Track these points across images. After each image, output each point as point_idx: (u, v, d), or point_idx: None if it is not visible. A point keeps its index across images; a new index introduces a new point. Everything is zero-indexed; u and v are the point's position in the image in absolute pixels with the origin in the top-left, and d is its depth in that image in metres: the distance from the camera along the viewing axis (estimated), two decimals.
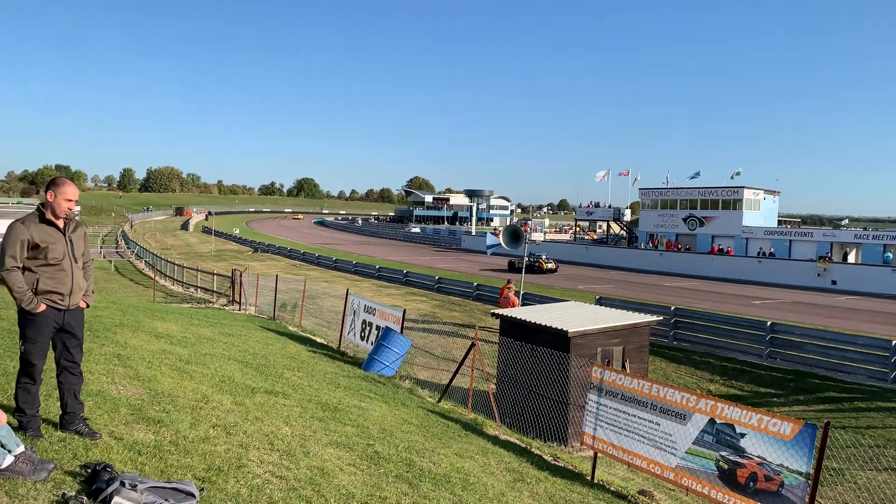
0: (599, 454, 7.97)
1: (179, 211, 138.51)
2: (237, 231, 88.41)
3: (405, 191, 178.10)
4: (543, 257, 45.86)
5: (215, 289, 29.75)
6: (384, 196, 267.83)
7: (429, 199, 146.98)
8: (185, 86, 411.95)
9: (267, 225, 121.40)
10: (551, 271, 44.70)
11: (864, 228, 61.29)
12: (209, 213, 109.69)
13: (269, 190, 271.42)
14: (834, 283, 40.02)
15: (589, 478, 7.77)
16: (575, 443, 10.73)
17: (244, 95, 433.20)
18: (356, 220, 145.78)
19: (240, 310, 22.06)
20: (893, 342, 16.11)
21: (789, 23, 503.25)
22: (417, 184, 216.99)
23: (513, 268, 42.80)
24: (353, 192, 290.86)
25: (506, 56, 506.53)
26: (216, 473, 4.46)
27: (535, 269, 42.94)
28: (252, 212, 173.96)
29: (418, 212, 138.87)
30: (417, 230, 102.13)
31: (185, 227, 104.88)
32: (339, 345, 15.60)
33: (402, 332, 13.43)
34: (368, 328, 14.81)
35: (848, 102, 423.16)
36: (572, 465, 8.57)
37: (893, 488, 9.16)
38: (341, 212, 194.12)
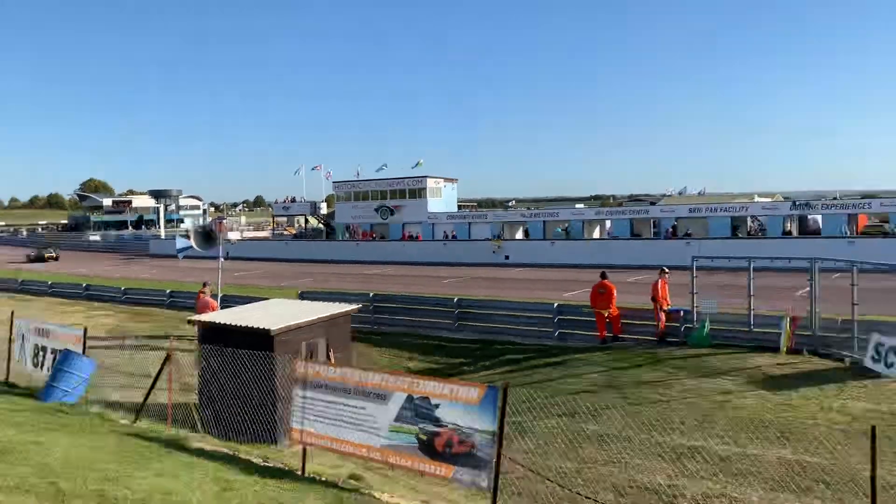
0: (309, 447, 8.06)
1: None
2: None
3: (79, 195, 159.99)
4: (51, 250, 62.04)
5: None
6: (53, 202, 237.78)
7: (108, 202, 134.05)
8: None
9: None
10: (54, 259, 60.44)
11: (528, 209, 69.64)
12: None
13: None
14: (507, 258, 44.91)
15: (300, 473, 7.81)
16: (285, 440, 10.69)
17: None
18: (20, 231, 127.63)
19: None
20: (556, 304, 18.63)
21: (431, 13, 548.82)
22: (93, 186, 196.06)
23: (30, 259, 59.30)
24: (14, 199, 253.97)
25: (177, 50, 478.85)
26: None
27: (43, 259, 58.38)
28: None
29: (96, 217, 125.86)
30: (97, 238, 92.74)
31: None
32: (8, 376, 13.62)
33: (84, 352, 12.15)
34: (43, 353, 13.14)
35: (502, 96, 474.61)
36: (283, 463, 8.54)
37: (563, 432, 10.62)
38: (0, 223, 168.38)
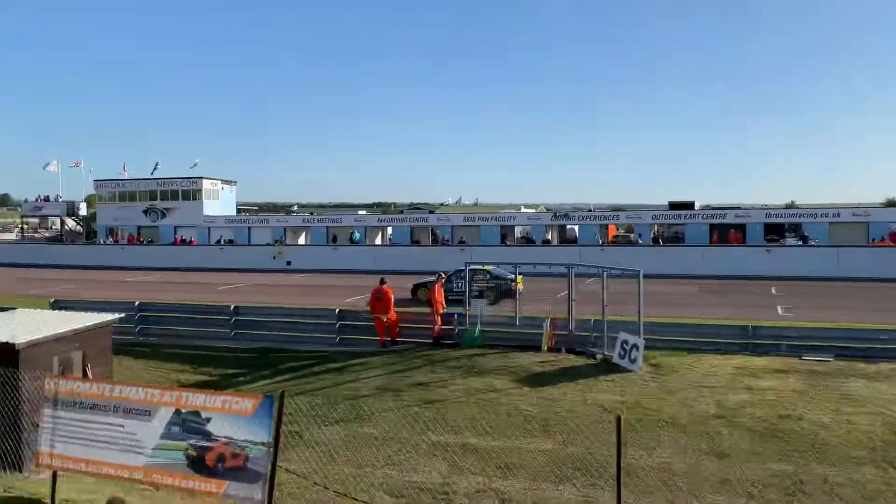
0: (61, 472, 7.30)
1: None
2: None
3: None
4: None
5: None
6: None
7: None
8: None
9: None
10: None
11: (311, 213, 69.01)
12: None
13: None
14: (289, 263, 44.11)
15: (48, 502, 7.05)
16: (31, 465, 9.59)
17: None
18: None
19: None
20: (337, 310, 18.65)
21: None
22: None
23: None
24: None
25: None
26: None
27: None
28: None
29: None
30: None
31: None
32: None
33: None
34: None
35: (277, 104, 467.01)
36: (29, 492, 7.68)
37: (342, 437, 10.65)
38: None
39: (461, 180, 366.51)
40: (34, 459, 7.66)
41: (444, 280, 17.48)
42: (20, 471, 9.70)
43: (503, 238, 46.24)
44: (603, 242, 43.04)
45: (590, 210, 53.05)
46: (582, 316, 16.13)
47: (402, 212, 66.22)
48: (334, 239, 49.20)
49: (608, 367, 14.19)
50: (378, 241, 50.51)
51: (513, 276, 20.38)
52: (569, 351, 15.39)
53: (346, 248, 46.03)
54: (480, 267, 23.92)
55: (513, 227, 47.93)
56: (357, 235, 49.11)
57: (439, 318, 16.86)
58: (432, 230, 49.45)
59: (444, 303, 17.17)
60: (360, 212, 69.02)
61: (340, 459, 9.79)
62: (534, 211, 58.37)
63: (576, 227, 47.02)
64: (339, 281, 35.77)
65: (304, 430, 10.83)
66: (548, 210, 56.34)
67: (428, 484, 9.20)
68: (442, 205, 70.22)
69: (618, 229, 50.01)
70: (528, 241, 46.60)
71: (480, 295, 21.69)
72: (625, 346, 14.10)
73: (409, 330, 17.40)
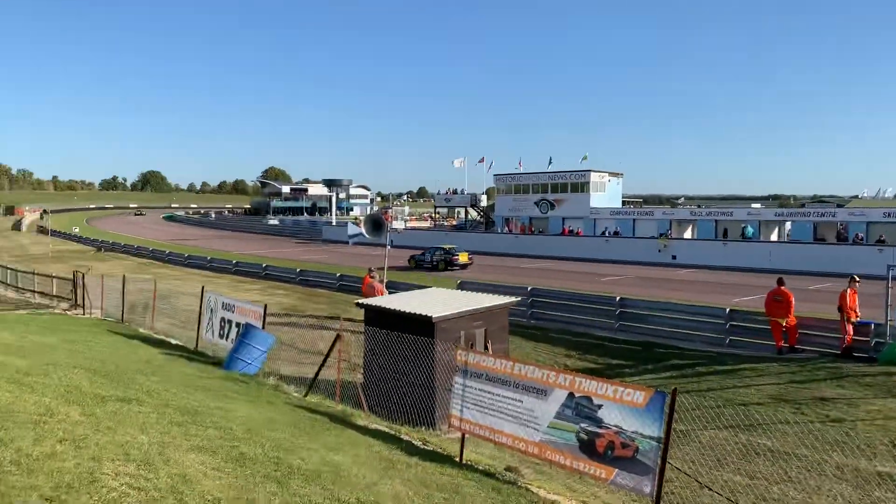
0: (467, 435, 8.14)
1: (10, 210, 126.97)
2: (77, 230, 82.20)
3: (260, 182, 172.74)
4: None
5: (55, 293, 27.52)
6: (238, 188, 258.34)
7: (286, 189, 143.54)
8: (8, 74, 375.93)
9: (111, 222, 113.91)
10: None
11: (698, 206, 66.35)
12: (44, 211, 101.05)
13: (110, 185, 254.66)
14: (674, 257, 43.08)
15: (458, 459, 7.92)
16: (443, 426, 10.89)
17: (75, 83, 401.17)
18: (209, 213, 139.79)
19: (84, 314, 20.58)
20: (727, 310, 17.60)
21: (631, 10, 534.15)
22: (273, 174, 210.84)
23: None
24: (205, 184, 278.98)
25: (357, 44, 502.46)
26: (66, 491, 4.14)
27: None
28: (93, 208, 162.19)
29: (276, 203, 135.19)
30: (276, 222, 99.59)
31: (17, 227, 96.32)
32: (197, 345, 14.93)
33: (263, 327, 13.06)
34: (228, 326, 14.28)
35: (681, 91, 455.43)
36: (441, 448, 8.71)
37: (732, 444, 10.02)
38: (192, 205, 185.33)
39: (879, 170, 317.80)
40: (447, 420, 8.68)
41: (858, 284, 15.24)
42: (432, 427, 11.12)
43: None
44: None
45: None
46: None
47: (803, 205, 59.69)
48: (724, 233, 46.62)
49: None
50: (774, 237, 46.37)
51: None
52: None
53: (738, 243, 43.16)
54: None
55: None
56: (750, 230, 45.74)
57: (851, 326, 14.80)
58: (840, 226, 43.70)
59: (857, 310, 15.02)
60: (754, 205, 64.11)
61: (730, 467, 9.22)
62: None
63: None
64: (729, 278, 33.82)
65: (690, 431, 10.47)
66: None
67: None
68: (854, 197, 61.51)
69: None
70: None
71: None
72: None
73: (811, 337, 15.64)
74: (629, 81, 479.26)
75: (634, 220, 51.89)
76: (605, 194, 55.59)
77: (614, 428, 6.62)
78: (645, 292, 26.49)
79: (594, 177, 54.64)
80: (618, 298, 19.89)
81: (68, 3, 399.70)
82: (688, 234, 49.37)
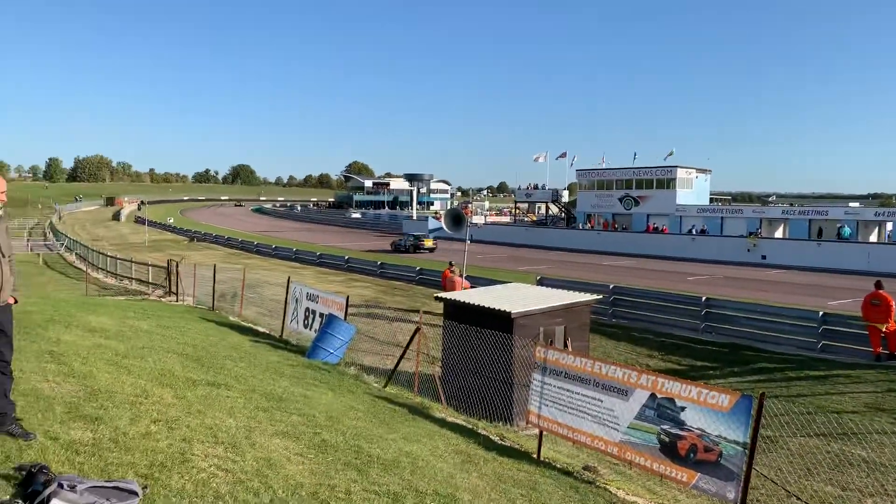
0: (545, 432, 8.09)
1: (110, 201, 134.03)
2: (172, 220, 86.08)
3: (344, 176, 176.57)
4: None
5: (151, 280, 28.93)
6: (323, 182, 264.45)
7: (369, 184, 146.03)
8: (111, 72, 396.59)
9: (203, 213, 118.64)
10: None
11: (791, 204, 63.61)
12: (142, 202, 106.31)
13: (203, 177, 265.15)
14: (764, 257, 41.49)
15: (535, 456, 7.88)
16: (520, 422, 10.86)
17: (176, 81, 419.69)
18: (295, 206, 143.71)
19: (177, 301, 21.53)
20: (821, 313, 16.83)
21: (714, 4, 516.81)
22: (357, 169, 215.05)
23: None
24: (291, 178, 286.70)
25: (443, 42, 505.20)
26: (159, 469, 4.35)
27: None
28: (186, 200, 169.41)
29: (358, 197, 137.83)
30: (358, 215, 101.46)
31: (117, 217, 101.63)
32: (282, 333, 15.39)
33: (345, 318, 13.33)
34: (312, 315, 14.65)
35: (774, 86, 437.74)
36: (518, 444, 8.68)
37: (824, 453, 9.58)
38: (279, 198, 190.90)
39: None
40: (525, 416, 8.65)
41: None
42: (509, 423, 11.10)
43: None
44: None
45: None
46: None
47: None
48: (819, 233, 44.53)
49: None
50: (873, 237, 43.95)
51: None
52: None
53: (833, 244, 41.17)
54: None
55: None
56: (847, 231, 43.50)
57: None
58: None
59: None
60: (852, 204, 60.97)
61: (820, 476, 8.83)
62: None
63: None
64: (822, 280, 32.34)
65: (777, 437, 10.08)
66: None
67: None
68: None
69: None
70: None
71: None
72: None
73: None
74: (720, 75, 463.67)
75: (722, 217, 50.17)
76: (692, 191, 54.00)
77: (697, 431, 6.44)
78: (732, 293, 25.63)
79: (681, 173, 53.14)
80: (703, 298, 19.32)
81: (171, 5, 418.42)
82: (779, 234, 47.40)
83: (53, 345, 8.22)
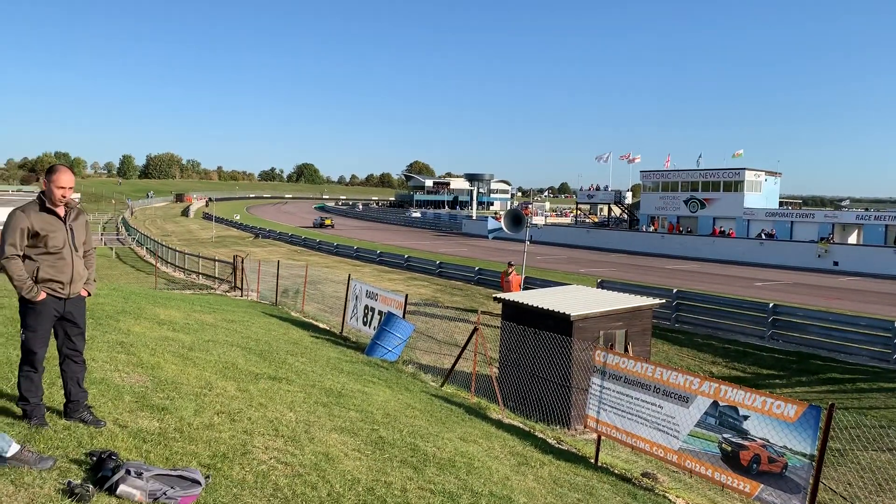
0: (603, 437, 7.98)
1: (180, 197, 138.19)
2: (238, 217, 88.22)
3: (405, 175, 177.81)
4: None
5: (217, 275, 29.75)
6: (384, 181, 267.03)
7: (429, 183, 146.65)
8: (183, 71, 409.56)
9: (267, 210, 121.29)
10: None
11: (866, 209, 61.06)
12: (209, 199, 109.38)
13: (269, 175, 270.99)
14: (836, 264, 39.98)
15: (592, 461, 7.79)
16: (578, 426, 10.75)
17: (243, 81, 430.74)
18: (357, 205, 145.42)
19: (242, 296, 22.08)
20: (895, 322, 16.12)
21: (789, 7, 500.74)
22: (417, 168, 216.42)
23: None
24: (354, 177, 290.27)
25: (504, 43, 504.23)
26: (221, 460, 4.47)
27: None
28: (252, 197, 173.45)
29: (419, 196, 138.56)
30: (418, 215, 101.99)
31: (185, 213, 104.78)
32: (342, 330, 15.61)
33: (404, 316, 13.42)
34: (371, 313, 14.81)
35: (847, 89, 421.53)
36: (576, 448, 8.59)
37: None
38: (342, 197, 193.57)
39: None
40: (583, 421, 8.56)
41: None
42: (566, 427, 11.00)
43: None
44: None
45: None
46: None
47: None
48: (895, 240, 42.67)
49: None
50: None
51: None
52: None
53: None
54: None
55: None
56: None
57: None
58: None
59: None
60: None
61: (893, 493, 8.45)
62: None
63: None
64: None
65: (847, 450, 9.70)
66: None
67: None
68: None
69: None
70: None
71: None
72: None
73: None
74: (795, 75, 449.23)
75: (792, 222, 48.54)
76: (761, 194, 52.40)
77: (761, 441, 6.26)
78: (801, 300, 24.78)
79: (749, 175, 51.62)
80: (771, 305, 18.73)
81: (240, 9, 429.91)
82: (852, 240, 45.58)
83: (124, 336, 8.53)
